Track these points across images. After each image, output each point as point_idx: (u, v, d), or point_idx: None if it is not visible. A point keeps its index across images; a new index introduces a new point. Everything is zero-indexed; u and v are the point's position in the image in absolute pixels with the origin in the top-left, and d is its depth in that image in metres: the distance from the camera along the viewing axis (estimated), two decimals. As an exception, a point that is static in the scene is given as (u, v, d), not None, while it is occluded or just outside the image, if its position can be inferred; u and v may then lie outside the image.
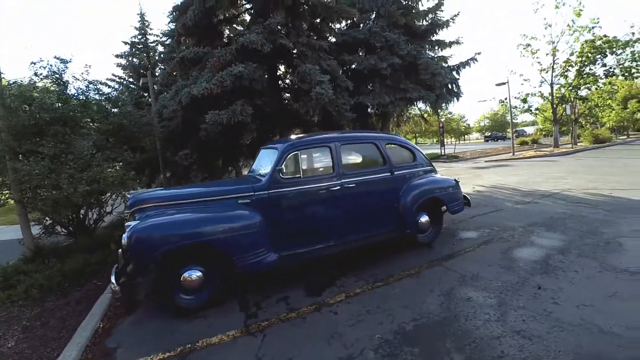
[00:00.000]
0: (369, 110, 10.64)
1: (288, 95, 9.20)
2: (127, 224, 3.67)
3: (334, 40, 9.75)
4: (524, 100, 16.71)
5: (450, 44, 11.42)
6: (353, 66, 9.91)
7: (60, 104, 5.54)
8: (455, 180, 5.15)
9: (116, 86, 12.87)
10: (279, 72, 8.75)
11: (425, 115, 13.22)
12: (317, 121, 8.93)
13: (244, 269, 3.71)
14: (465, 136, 53.72)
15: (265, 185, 3.97)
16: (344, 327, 3.03)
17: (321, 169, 4.49)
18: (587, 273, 3.56)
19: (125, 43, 13.78)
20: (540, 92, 17.80)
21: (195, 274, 3.57)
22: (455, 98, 11.64)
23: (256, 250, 3.75)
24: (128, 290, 4.07)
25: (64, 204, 4.97)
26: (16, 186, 5.02)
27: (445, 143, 21.85)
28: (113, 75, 13.39)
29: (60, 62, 5.99)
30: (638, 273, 3.43)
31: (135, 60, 13.37)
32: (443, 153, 19.12)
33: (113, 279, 3.40)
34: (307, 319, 3.25)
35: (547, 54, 17.96)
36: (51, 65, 5.82)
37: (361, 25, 10.63)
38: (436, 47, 11.44)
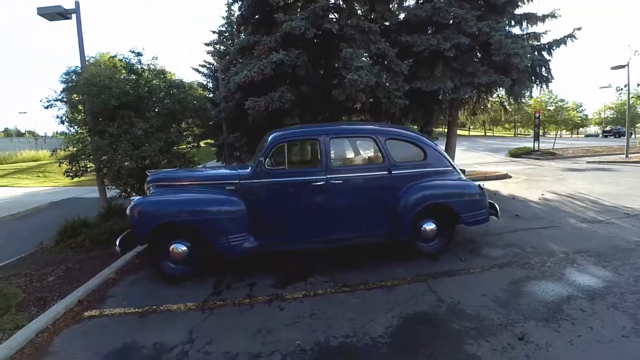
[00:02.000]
0: (440, 97, 9.46)
1: (335, 81, 8.83)
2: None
3: (389, 22, 8.81)
4: (650, 89, 12.40)
5: (544, 17, 9.19)
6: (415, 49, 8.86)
7: (132, 92, 6.43)
8: (479, 186, 4.26)
9: (205, 71, 14.29)
10: (325, 58, 8.40)
11: (507, 103, 11.10)
12: (365, 108, 8.38)
13: (221, 251, 3.92)
14: (581, 129, 43.03)
15: (250, 175, 3.99)
16: (278, 325, 2.98)
17: (310, 163, 4.23)
18: (605, 334, 2.60)
19: (214, 32, 15.06)
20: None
21: (181, 248, 3.93)
22: (543, 84, 9.53)
23: (235, 235, 3.89)
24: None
25: (121, 174, 5.88)
26: (93, 158, 6.13)
27: (542, 136, 18.11)
28: (204, 61, 14.93)
29: (135, 55, 6.88)
30: (687, 351, 2.36)
31: (222, 47, 14.56)
32: (537, 148, 15.94)
33: (117, 242, 3.95)
34: (254, 308, 3.30)
35: None
36: (128, 58, 6.73)
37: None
38: (524, 23, 9.36)
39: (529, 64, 8.80)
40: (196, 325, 3.03)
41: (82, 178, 6.61)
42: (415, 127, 10.58)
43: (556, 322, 2.78)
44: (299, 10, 7.54)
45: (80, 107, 6.46)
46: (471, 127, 42.57)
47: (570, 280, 3.48)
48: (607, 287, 3.29)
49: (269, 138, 4.10)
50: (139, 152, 5.72)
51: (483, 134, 42.27)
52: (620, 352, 2.40)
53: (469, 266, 3.94)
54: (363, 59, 6.79)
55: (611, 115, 39.77)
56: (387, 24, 8.92)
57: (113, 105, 6.05)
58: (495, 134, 43.27)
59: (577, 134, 41.99)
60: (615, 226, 5.10)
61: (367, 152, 4.22)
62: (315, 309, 3.22)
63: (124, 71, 6.74)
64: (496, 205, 4.56)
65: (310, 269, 4.05)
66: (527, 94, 9.57)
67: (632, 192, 7.30)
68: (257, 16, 8.20)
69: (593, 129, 45.88)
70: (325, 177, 3.95)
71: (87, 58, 6.80)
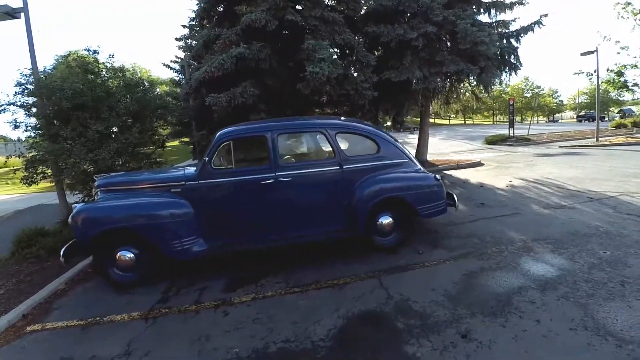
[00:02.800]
0: (410, 87, 9.22)
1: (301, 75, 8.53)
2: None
3: (355, 12, 8.50)
4: (619, 74, 12.31)
5: (512, 5, 9.02)
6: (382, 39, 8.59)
7: (87, 92, 6.02)
8: (435, 177, 4.06)
9: (177, 67, 13.75)
10: (291, 51, 8.07)
11: (478, 92, 10.96)
12: (333, 101, 8.12)
13: (170, 256, 3.69)
14: (556, 115, 43.47)
15: (196, 175, 3.74)
16: (219, 331, 2.80)
17: (258, 161, 3.98)
18: (552, 327, 2.44)
19: (184, 26, 14.34)
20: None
21: (128, 255, 3.69)
22: (512, 71, 9.42)
23: (183, 239, 3.68)
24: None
25: (80, 178, 5.52)
26: (50, 163, 5.74)
27: (519, 122, 18.11)
28: (176, 57, 14.35)
29: (92, 53, 6.45)
30: (633, 343, 2.21)
31: (193, 42, 13.96)
32: (512, 135, 15.92)
33: (61, 252, 3.66)
34: (199, 315, 3.11)
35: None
36: (82, 57, 6.30)
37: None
38: (492, 10, 9.17)
39: (497, 52, 8.65)
40: (136, 336, 2.85)
41: (49, 184, 6.21)
42: (387, 118, 10.39)
43: (503, 316, 2.61)
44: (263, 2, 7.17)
45: (34, 110, 6.04)
46: (452, 116, 42.76)
47: (524, 270, 3.33)
48: (560, 276, 3.14)
49: (215, 136, 3.83)
50: (93, 155, 5.37)
51: (463, 122, 42.40)
52: (565, 348, 2.24)
53: (425, 259, 3.76)
54: (327, 50, 6.48)
55: (585, 100, 40.14)
56: (354, 14, 8.59)
57: (67, 107, 5.66)
58: (475, 122, 43.47)
59: (554, 119, 42.36)
60: (577, 211, 4.99)
61: (317, 147, 3.98)
62: (260, 312, 3.03)
63: (78, 71, 6.31)
64: (454, 195, 4.39)
65: (265, 270, 3.83)
66: (496, 81, 9.43)
67: (597, 175, 7.24)
68: (219, 9, 7.80)
69: (568, 114, 46.35)
70: (274, 174, 3.70)
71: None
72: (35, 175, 5.86)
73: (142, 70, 33.73)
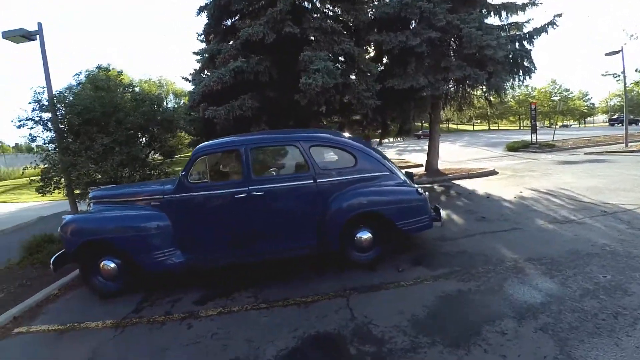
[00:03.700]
0: (415, 94, 8.91)
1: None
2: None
3: (357, 21, 8.34)
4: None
5: (524, 6, 8.49)
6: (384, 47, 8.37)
7: (98, 108, 6.33)
8: (417, 191, 3.80)
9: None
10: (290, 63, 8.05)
11: (492, 97, 10.34)
12: (333, 110, 7.98)
13: (147, 268, 3.73)
14: (588, 118, 40.19)
15: (173, 189, 3.75)
16: (178, 345, 2.79)
17: (233, 175, 3.93)
18: (516, 365, 2.14)
19: (202, 41, 14.69)
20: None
21: (110, 265, 3.76)
22: (526, 75, 8.81)
23: (159, 252, 3.72)
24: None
25: (85, 189, 5.77)
26: (62, 174, 6.06)
27: (548, 127, 16.88)
28: (194, 70, 14.73)
29: (103, 70, 6.80)
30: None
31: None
32: (534, 141, 14.90)
33: (51, 261, 3.81)
34: (164, 327, 3.10)
35: None
36: (93, 73, 6.65)
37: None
38: (502, 12, 8.67)
39: (508, 55, 8.15)
40: (102, 345, 2.91)
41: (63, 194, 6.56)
42: (394, 126, 10.07)
43: (466, 348, 2.33)
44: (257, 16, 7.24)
45: (49, 125, 6.44)
46: (477, 121, 41.03)
47: (506, 295, 2.99)
48: (544, 304, 2.78)
49: (193, 151, 3.85)
50: (97, 167, 5.59)
51: (487, 128, 40.46)
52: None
53: (403, 278, 3.50)
54: (322, 61, 6.38)
55: (618, 103, 36.69)
56: (359, 23, 8.45)
57: (76, 123, 5.98)
58: (500, 127, 41.34)
59: (585, 123, 39.06)
60: (585, 227, 4.48)
61: (292, 161, 3.87)
62: (221, 328, 2.96)
63: (89, 87, 6.65)
64: (440, 209, 4.09)
65: (240, 283, 3.76)
66: (508, 85, 8.87)
67: (619, 185, 6.52)
68: (224, 24, 7.97)
69: (601, 117, 42.69)
70: (247, 189, 3.63)
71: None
72: (50, 185, 6.20)
73: (168, 82, 35.42)
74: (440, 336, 2.49)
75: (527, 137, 16.58)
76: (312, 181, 3.66)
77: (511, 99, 34.68)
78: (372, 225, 3.78)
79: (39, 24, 6.03)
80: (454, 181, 8.99)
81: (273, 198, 3.66)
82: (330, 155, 4.10)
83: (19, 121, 6.19)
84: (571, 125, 40.19)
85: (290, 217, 3.71)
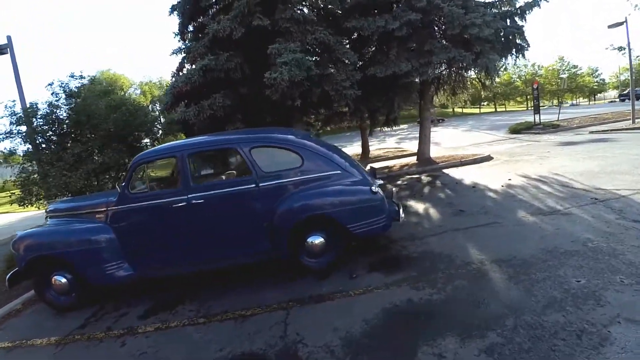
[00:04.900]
0: (404, 80, 8.30)
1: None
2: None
3: (335, 8, 7.78)
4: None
5: (513, -22, 7.67)
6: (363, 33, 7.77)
7: (72, 116, 6.15)
8: (371, 190, 3.38)
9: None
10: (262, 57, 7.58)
11: (484, 78, 9.54)
12: (313, 104, 7.51)
13: (95, 282, 3.54)
14: (599, 95, 37.37)
15: (116, 201, 3.49)
16: None
17: (172, 183, 3.62)
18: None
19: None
20: None
21: (62, 279, 3.59)
22: (519, 53, 8.05)
23: (106, 264, 3.49)
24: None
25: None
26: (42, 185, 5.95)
27: (557, 106, 15.67)
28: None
29: (77, 79, 6.59)
30: None
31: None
32: (538, 122, 13.91)
33: (7, 277, 3.67)
34: (101, 343, 2.94)
35: None
36: (66, 84, 6.43)
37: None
38: (490, -13, 7.89)
39: (496, 33, 7.41)
40: None
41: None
42: (381, 117, 9.50)
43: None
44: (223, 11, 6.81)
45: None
46: (484, 103, 39.23)
47: (458, 306, 2.57)
48: (499, 318, 2.35)
49: (132, 160, 3.56)
50: (65, 178, 5.42)
51: (494, 110, 38.56)
52: None
53: (353, 286, 3.13)
54: (290, 53, 5.93)
55: (628, 78, 33.72)
56: (336, 10, 7.89)
57: (49, 132, 5.83)
58: (507, 109, 39.32)
59: (595, 100, 36.29)
60: (570, 218, 3.94)
61: (232, 165, 3.52)
62: (152, 346, 2.74)
63: (63, 96, 6.46)
64: (400, 207, 3.66)
65: (187, 295, 3.50)
66: (499, 65, 8.13)
67: (617, 167, 5.82)
68: (194, 22, 7.59)
69: (612, 93, 39.55)
70: (186, 197, 3.32)
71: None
72: (31, 196, 6.10)
73: (168, 83, 35.51)
74: (355, 353, 2.13)
75: (524, 118, 15.55)
76: (254, 185, 3.30)
77: (517, 79, 32.85)
78: (325, 229, 3.40)
79: (8, 37, 5.86)
80: (444, 170, 8.41)
81: (214, 205, 3.34)
82: (260, 158, 3.60)
83: (0, 135, 6.09)
84: (580, 103, 37.59)
85: (235, 224, 3.39)
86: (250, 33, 6.62)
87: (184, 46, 7.39)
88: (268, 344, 2.48)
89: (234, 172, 3.92)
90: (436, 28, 8.02)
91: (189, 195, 3.31)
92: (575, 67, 31.08)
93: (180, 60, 7.86)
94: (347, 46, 7.91)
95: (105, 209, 3.55)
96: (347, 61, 7.40)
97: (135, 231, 3.48)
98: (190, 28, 8.05)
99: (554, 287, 2.61)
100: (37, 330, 3.29)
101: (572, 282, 2.64)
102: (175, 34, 8.04)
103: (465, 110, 34.53)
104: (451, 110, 37.27)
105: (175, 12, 7.40)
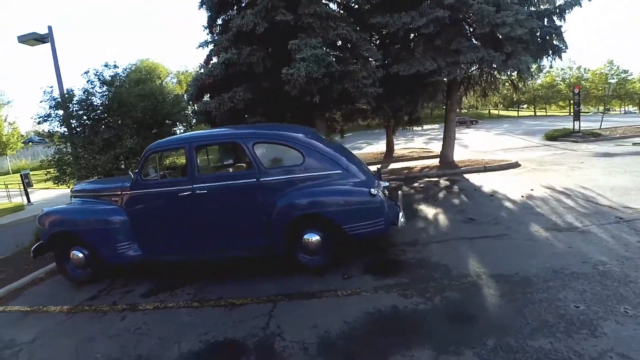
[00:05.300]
0: (428, 79, 8.00)
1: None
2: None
3: (361, 4, 7.59)
4: None
5: (556, -27, 7.06)
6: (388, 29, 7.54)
7: (106, 103, 6.60)
8: (370, 192, 3.33)
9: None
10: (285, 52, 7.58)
11: (518, 81, 8.92)
12: (334, 100, 7.45)
13: (107, 260, 3.81)
14: None
15: (130, 186, 3.73)
16: (104, 336, 2.82)
17: (181, 173, 3.79)
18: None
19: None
20: None
21: (79, 254, 3.88)
22: (555, 55, 7.47)
23: (118, 244, 3.77)
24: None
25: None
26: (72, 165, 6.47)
27: (604, 113, 14.34)
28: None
29: (111, 68, 7.02)
30: None
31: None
32: (577, 129, 12.85)
33: (32, 249, 4.06)
34: (105, 316, 3.17)
35: None
36: (101, 72, 6.87)
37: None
38: (529, -17, 7.32)
39: (532, 32, 6.91)
40: (49, 328, 3.05)
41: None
42: (406, 116, 9.22)
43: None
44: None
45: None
46: (524, 106, 36.75)
47: (441, 318, 2.50)
48: (480, 336, 2.26)
49: (146, 149, 3.78)
50: (95, 160, 5.84)
51: (533, 114, 35.97)
52: None
53: (343, 286, 3.13)
54: (310, 49, 5.90)
55: None
56: (364, 6, 7.71)
57: (84, 117, 6.29)
58: (548, 113, 36.52)
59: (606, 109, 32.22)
60: (586, 237, 3.65)
61: (238, 158, 3.61)
62: (147, 323, 2.95)
63: (98, 84, 6.91)
64: (401, 211, 3.58)
65: (189, 280, 3.68)
66: (533, 67, 7.57)
67: (657, 185, 5.27)
68: (224, 16, 7.76)
69: None
70: (191, 187, 3.48)
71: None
72: (65, 175, 6.64)
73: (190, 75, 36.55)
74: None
75: (562, 124, 14.38)
76: (255, 180, 3.38)
77: (561, 82, 30.19)
78: (322, 228, 3.41)
79: (49, 27, 6.33)
80: (466, 175, 8.05)
81: (217, 196, 3.46)
82: (263, 153, 3.66)
83: (39, 117, 6.67)
84: (630, 111, 33.79)
85: (235, 217, 3.50)
86: (273, 28, 6.67)
87: (211, 39, 7.60)
88: (249, 333, 2.57)
89: (244, 165, 4.04)
90: (466, 26, 7.60)
91: (193, 185, 3.46)
92: (625, 72, 28.08)
93: (208, 53, 8.11)
94: (374, 44, 7.74)
95: (120, 192, 3.80)
96: (370, 58, 7.26)
97: (144, 215, 3.71)
98: (219, 21, 8.25)
99: (549, 310, 2.45)
100: (53, 299, 3.62)
101: (570, 306, 2.46)
102: (205, 27, 8.27)
103: (501, 113, 32.58)
104: (487, 112, 35.38)
105: (204, 6, 7.60)
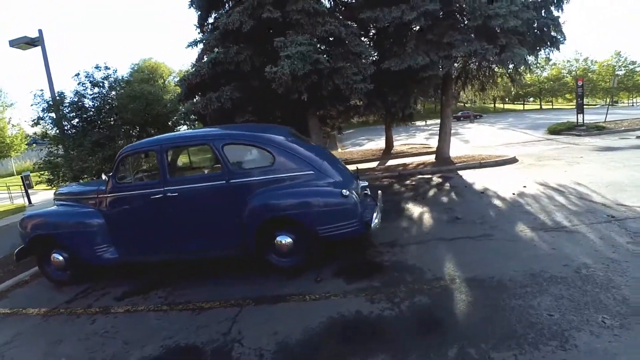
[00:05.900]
0: (426, 74, 7.74)
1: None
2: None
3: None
4: None
5: (552, -39, 6.72)
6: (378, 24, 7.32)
7: (95, 104, 6.60)
8: (342, 193, 3.20)
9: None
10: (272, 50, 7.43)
11: (515, 74, 8.57)
12: (323, 98, 7.29)
13: (84, 261, 3.78)
14: None
15: (104, 189, 3.68)
16: (74, 338, 2.79)
17: (154, 175, 3.72)
18: None
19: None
20: None
21: (59, 257, 3.86)
22: (553, 47, 7.14)
23: (95, 246, 3.73)
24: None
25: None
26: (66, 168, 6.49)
27: (611, 105, 13.73)
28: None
29: (101, 70, 7.01)
30: None
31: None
32: (581, 122, 12.38)
33: (15, 252, 4.06)
34: (78, 319, 3.15)
35: None
36: (91, 74, 6.87)
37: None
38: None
39: (527, 24, 6.60)
40: (24, 331, 3.04)
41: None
42: (397, 112, 8.98)
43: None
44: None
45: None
46: (531, 99, 35.79)
47: (403, 327, 2.37)
48: (443, 345, 2.12)
49: (119, 151, 3.72)
50: (84, 163, 5.84)
51: (538, 107, 34.93)
52: None
53: (313, 290, 3.02)
54: (298, 45, 5.75)
55: None
56: (351, 1, 7.52)
57: (74, 120, 6.30)
58: (554, 106, 35.42)
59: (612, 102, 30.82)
60: (573, 237, 3.45)
61: (206, 160, 3.52)
62: (115, 326, 2.91)
63: (88, 85, 6.90)
64: (377, 213, 3.44)
65: (164, 282, 3.63)
66: (529, 60, 7.26)
67: (655, 181, 4.98)
68: (216, 15, 7.65)
69: None
70: (162, 189, 3.41)
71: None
72: (58, 177, 6.68)
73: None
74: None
75: (566, 117, 13.88)
76: (224, 182, 3.28)
77: (567, 74, 29.19)
78: (294, 230, 3.30)
79: (40, 31, 6.32)
80: (460, 171, 7.82)
81: (188, 199, 3.38)
82: (233, 155, 3.53)
83: (32, 120, 6.71)
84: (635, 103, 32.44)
85: (207, 219, 3.42)
86: (260, 25, 6.53)
87: (200, 38, 7.50)
88: (210, 339, 2.49)
89: (219, 166, 3.95)
90: (460, 19, 7.33)
91: (165, 188, 3.39)
92: (633, 63, 26.91)
93: (199, 52, 8.02)
94: (365, 39, 7.54)
95: (96, 195, 3.76)
96: (361, 54, 7.07)
97: (119, 218, 3.66)
98: (211, 20, 8.14)
99: (519, 318, 2.29)
100: (34, 301, 3.61)
101: (543, 315, 2.30)
102: (196, 26, 8.18)
103: (506, 107, 31.79)
104: (492, 106, 34.55)
105: (193, 6, 7.51)
